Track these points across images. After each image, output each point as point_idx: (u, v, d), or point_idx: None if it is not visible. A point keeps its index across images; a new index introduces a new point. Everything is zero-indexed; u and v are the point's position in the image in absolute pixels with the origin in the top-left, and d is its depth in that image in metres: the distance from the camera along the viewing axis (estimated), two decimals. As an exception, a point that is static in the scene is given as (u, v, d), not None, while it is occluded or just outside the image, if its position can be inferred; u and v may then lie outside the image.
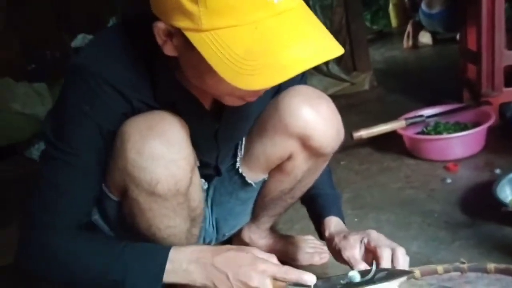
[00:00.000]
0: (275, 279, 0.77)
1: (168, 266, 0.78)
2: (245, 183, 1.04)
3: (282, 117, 0.93)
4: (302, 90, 0.95)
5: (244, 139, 1.03)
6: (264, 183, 1.06)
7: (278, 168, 1.02)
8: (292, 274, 0.77)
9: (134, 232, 0.87)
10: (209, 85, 0.75)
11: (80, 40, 2.93)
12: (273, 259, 0.80)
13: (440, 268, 0.92)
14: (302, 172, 1.01)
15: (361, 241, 0.90)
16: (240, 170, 1.02)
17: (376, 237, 0.90)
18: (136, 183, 0.78)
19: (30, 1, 2.54)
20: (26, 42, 2.63)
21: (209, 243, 1.16)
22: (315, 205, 1.08)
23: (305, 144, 0.94)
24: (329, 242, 0.98)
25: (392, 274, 0.80)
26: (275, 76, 0.64)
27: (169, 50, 0.72)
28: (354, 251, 0.89)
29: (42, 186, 0.81)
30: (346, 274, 0.81)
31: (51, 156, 0.80)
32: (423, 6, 3.29)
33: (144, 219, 0.83)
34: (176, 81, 0.81)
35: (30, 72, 2.69)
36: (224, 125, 0.93)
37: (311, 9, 2.61)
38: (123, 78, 0.77)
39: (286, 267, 0.78)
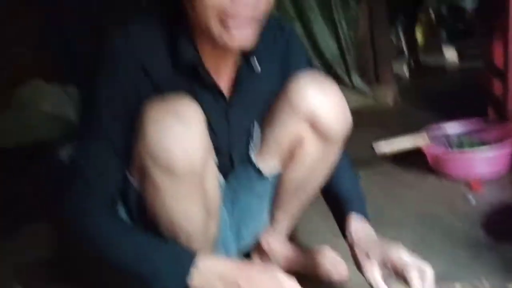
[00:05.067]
0: None
1: (195, 274, 0.82)
2: (259, 174, 1.05)
3: (290, 98, 0.97)
4: (310, 74, 0.99)
5: (257, 129, 1.04)
6: (278, 178, 1.07)
7: (289, 158, 1.03)
8: None
9: (152, 219, 0.89)
10: (195, 4, 0.82)
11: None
12: (294, 282, 0.82)
13: (458, 286, 0.91)
14: (313, 159, 1.01)
15: (383, 263, 0.89)
16: (253, 160, 1.04)
17: (397, 257, 0.88)
18: (153, 159, 0.81)
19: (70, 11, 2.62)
20: (61, 44, 2.69)
21: (230, 254, 1.16)
22: (337, 203, 1.06)
23: (313, 125, 0.97)
24: (351, 249, 0.97)
25: None
26: None
27: None
28: (375, 273, 0.89)
29: (76, 162, 0.88)
30: None
31: (83, 133, 0.88)
32: None
33: (159, 199, 0.85)
34: (195, 51, 0.90)
35: (62, 74, 2.76)
36: (234, 106, 0.98)
37: (335, 21, 2.66)
38: (144, 49, 0.87)
39: None
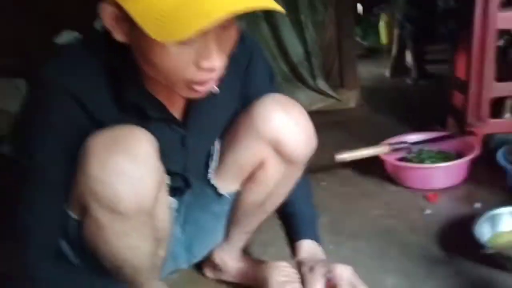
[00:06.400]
0: None
1: None
2: (217, 195, 1.02)
3: (254, 121, 0.93)
4: (275, 97, 0.96)
5: (216, 149, 1.01)
6: (236, 196, 1.04)
7: (250, 178, 1.01)
8: None
9: (96, 255, 0.82)
10: (156, 68, 0.74)
11: (64, 36, 2.86)
12: None
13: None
14: (275, 181, 0.99)
15: (325, 276, 0.93)
16: (212, 181, 1.01)
17: (339, 274, 0.93)
18: (97, 199, 0.74)
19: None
20: (10, 37, 2.57)
21: (180, 267, 1.11)
22: (289, 225, 1.08)
23: (277, 149, 0.94)
24: (298, 270, 1.00)
25: None
26: (198, 21, 0.63)
27: (119, 35, 0.73)
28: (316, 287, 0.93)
29: (14, 204, 0.80)
30: None
31: (19, 172, 0.79)
32: None
33: (104, 238, 0.79)
34: (142, 87, 0.80)
35: (10, 66, 2.62)
36: (191, 131, 0.92)
37: (302, 24, 2.61)
38: (81, 84, 0.77)
39: None
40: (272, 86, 1.03)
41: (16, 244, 0.80)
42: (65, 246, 0.87)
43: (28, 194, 0.79)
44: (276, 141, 0.93)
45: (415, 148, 1.69)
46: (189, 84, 0.76)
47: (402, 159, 1.67)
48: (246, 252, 1.22)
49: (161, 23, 0.64)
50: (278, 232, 1.16)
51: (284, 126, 0.92)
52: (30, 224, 0.79)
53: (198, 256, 1.11)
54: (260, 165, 0.98)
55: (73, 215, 0.81)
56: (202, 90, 0.78)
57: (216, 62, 0.73)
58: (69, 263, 0.87)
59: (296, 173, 1.02)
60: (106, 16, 0.71)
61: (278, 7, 0.68)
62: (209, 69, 0.73)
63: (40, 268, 0.80)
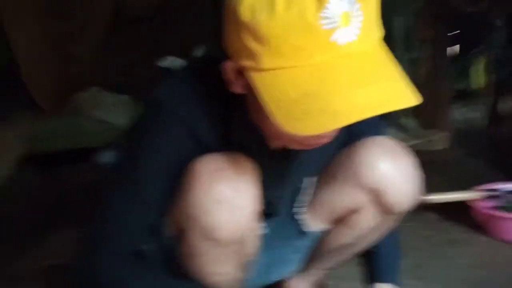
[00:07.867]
0: None
1: None
2: (304, 231, 1.01)
3: (356, 166, 0.88)
4: (381, 141, 0.90)
5: (312, 183, 0.99)
6: (323, 233, 1.02)
7: (341, 220, 0.97)
8: None
9: (184, 270, 0.85)
10: (271, 130, 0.74)
11: (168, 61, 3.09)
12: None
13: None
14: (368, 227, 0.95)
15: None
16: (302, 216, 0.99)
17: None
18: (195, 224, 0.77)
19: (128, 27, 2.75)
20: (120, 59, 2.81)
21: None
22: (370, 264, 1.04)
23: (378, 199, 0.89)
24: None
25: None
26: (325, 123, 0.60)
27: (236, 88, 0.72)
28: None
29: (105, 211, 0.83)
30: None
31: (118, 182, 0.83)
32: None
33: (195, 261, 0.82)
34: (249, 121, 0.80)
35: (119, 85, 2.86)
36: (291, 162, 0.90)
37: (398, 60, 2.47)
38: (195, 116, 0.78)
39: None
40: (380, 126, 0.97)
41: (91, 244, 0.84)
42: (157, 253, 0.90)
43: (122, 204, 0.82)
44: (377, 192, 0.88)
45: (511, 197, 1.57)
46: (298, 141, 0.76)
47: (495, 208, 1.55)
48: (319, 284, 1.20)
49: (287, 114, 0.61)
50: (354, 269, 1.14)
51: (389, 177, 0.86)
52: (112, 232, 0.82)
53: (271, 280, 1.10)
54: (354, 211, 0.94)
55: (169, 230, 0.84)
56: (310, 147, 0.78)
57: (330, 131, 0.71)
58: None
59: (391, 223, 0.97)
60: (229, 69, 0.70)
61: (410, 103, 0.62)
62: (321, 137, 0.73)
63: (112, 266, 0.82)
